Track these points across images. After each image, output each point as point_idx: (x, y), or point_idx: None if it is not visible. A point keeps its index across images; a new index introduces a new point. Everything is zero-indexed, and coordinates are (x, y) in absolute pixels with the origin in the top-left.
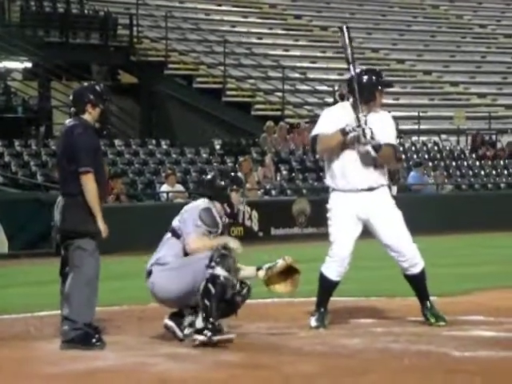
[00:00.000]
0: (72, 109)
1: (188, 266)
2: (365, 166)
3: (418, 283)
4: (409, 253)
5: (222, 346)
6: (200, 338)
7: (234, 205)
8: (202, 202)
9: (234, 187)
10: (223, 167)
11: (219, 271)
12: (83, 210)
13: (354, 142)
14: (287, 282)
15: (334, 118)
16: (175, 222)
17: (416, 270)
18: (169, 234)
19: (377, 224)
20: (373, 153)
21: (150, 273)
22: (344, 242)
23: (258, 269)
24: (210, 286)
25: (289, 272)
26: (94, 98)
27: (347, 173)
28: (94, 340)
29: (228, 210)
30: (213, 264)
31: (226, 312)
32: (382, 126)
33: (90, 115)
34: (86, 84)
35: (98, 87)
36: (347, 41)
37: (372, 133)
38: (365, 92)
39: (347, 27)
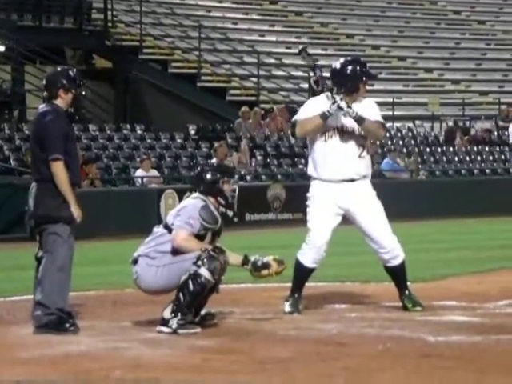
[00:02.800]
0: (44, 93)
1: (176, 265)
2: (347, 157)
3: (398, 275)
4: (389, 244)
5: (202, 330)
6: (165, 329)
7: (228, 196)
8: (198, 201)
9: (225, 179)
10: (210, 161)
11: (203, 271)
12: (56, 195)
13: (335, 119)
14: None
15: (316, 107)
16: (169, 218)
17: (396, 262)
18: (160, 228)
19: (358, 215)
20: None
21: (135, 261)
22: (321, 231)
23: (244, 261)
24: (189, 282)
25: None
26: (67, 83)
27: (329, 163)
28: (67, 325)
29: (223, 202)
30: (199, 263)
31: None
32: (365, 110)
33: (63, 100)
34: (59, 68)
35: (71, 72)
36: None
37: (350, 107)
38: (348, 83)
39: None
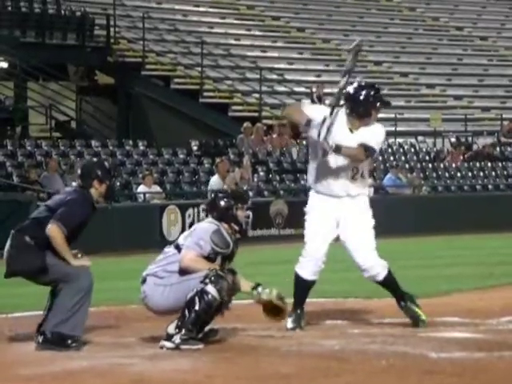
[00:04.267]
0: (78, 181)
1: (183, 284)
2: (338, 177)
3: (387, 288)
4: (367, 263)
5: (206, 347)
6: (168, 344)
7: (242, 222)
8: (210, 225)
9: (239, 205)
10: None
11: (210, 289)
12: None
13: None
14: (275, 316)
15: (320, 112)
16: (181, 239)
17: (379, 279)
18: (172, 248)
19: (342, 230)
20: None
21: (144, 280)
22: (318, 243)
23: (254, 287)
24: (196, 299)
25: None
26: (102, 174)
27: (328, 179)
28: (69, 341)
29: (236, 228)
30: (207, 281)
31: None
32: (366, 132)
33: (97, 191)
34: (95, 159)
35: (106, 164)
36: (352, 63)
37: (329, 133)
38: (360, 108)
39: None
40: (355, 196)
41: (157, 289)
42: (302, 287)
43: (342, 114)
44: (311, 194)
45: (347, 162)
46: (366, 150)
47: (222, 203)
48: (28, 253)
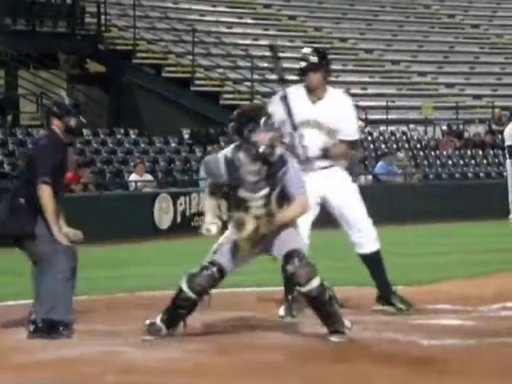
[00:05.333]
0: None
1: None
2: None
3: (374, 264)
4: (366, 228)
5: (190, 335)
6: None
7: (258, 144)
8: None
9: (250, 127)
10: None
11: (184, 287)
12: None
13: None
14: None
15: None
16: None
17: (374, 248)
18: None
19: (332, 197)
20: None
21: None
22: (300, 226)
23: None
24: (175, 293)
25: None
26: (58, 111)
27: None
28: (60, 328)
29: (253, 151)
30: (183, 277)
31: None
32: (339, 116)
33: (59, 129)
34: (57, 96)
35: (65, 101)
36: (277, 60)
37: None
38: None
39: (273, 46)
40: (330, 166)
41: None
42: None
43: (297, 90)
44: None
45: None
46: (352, 144)
47: (230, 129)
48: (21, 215)
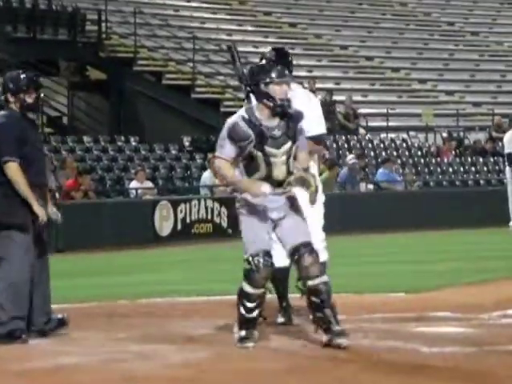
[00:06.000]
0: (2, 97)
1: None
2: None
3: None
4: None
5: (191, 343)
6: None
7: (276, 98)
8: (231, 120)
9: (267, 79)
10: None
11: (247, 288)
12: (10, 200)
13: None
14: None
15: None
16: None
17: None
18: None
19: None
20: None
21: None
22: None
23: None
24: (239, 297)
25: None
26: (14, 87)
27: None
28: (17, 332)
29: (270, 105)
30: (243, 278)
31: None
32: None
33: (14, 105)
34: (11, 72)
35: (20, 76)
36: (236, 58)
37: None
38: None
39: (234, 45)
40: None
41: None
42: (279, 277)
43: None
44: None
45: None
46: (315, 140)
47: (250, 79)
48: None
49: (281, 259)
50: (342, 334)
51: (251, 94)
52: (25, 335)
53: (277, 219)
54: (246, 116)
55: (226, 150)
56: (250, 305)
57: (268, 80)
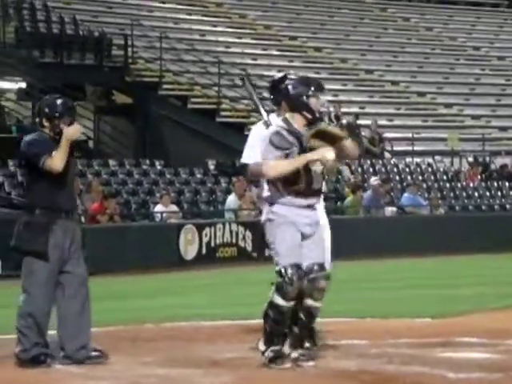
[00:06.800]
0: (37, 119)
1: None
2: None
3: None
4: None
5: (216, 367)
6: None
7: (314, 111)
8: (269, 130)
9: (310, 92)
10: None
11: (278, 300)
12: (31, 227)
13: None
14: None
15: None
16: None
17: None
18: None
19: None
20: None
21: None
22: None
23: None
24: (268, 310)
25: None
26: (50, 113)
27: None
28: (42, 357)
29: (309, 117)
30: (273, 289)
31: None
32: None
33: (47, 129)
34: (46, 97)
35: (56, 102)
36: (250, 88)
37: None
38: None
39: (247, 76)
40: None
41: None
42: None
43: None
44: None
45: None
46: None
47: (292, 91)
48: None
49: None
50: (310, 356)
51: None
52: (49, 360)
53: (308, 235)
54: (285, 125)
55: (270, 155)
56: (279, 318)
57: (310, 93)
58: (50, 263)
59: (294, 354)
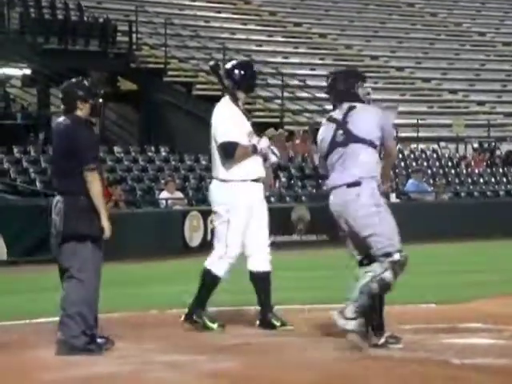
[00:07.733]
0: (62, 106)
1: None
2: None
3: (265, 284)
4: (267, 248)
5: (222, 353)
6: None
7: (364, 100)
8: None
9: (360, 83)
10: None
11: (391, 279)
12: (85, 211)
13: None
14: None
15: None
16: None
17: (267, 268)
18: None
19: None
20: None
21: None
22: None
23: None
24: (374, 284)
25: None
26: (84, 94)
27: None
28: (92, 346)
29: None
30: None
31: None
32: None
33: (81, 111)
34: (74, 80)
35: (86, 82)
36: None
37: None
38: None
39: (217, 64)
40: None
41: None
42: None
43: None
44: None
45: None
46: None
47: (343, 84)
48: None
49: (262, 264)
50: (397, 339)
51: None
52: (95, 347)
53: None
54: (337, 117)
55: None
56: (383, 292)
57: (360, 83)
58: (100, 249)
59: (382, 340)
